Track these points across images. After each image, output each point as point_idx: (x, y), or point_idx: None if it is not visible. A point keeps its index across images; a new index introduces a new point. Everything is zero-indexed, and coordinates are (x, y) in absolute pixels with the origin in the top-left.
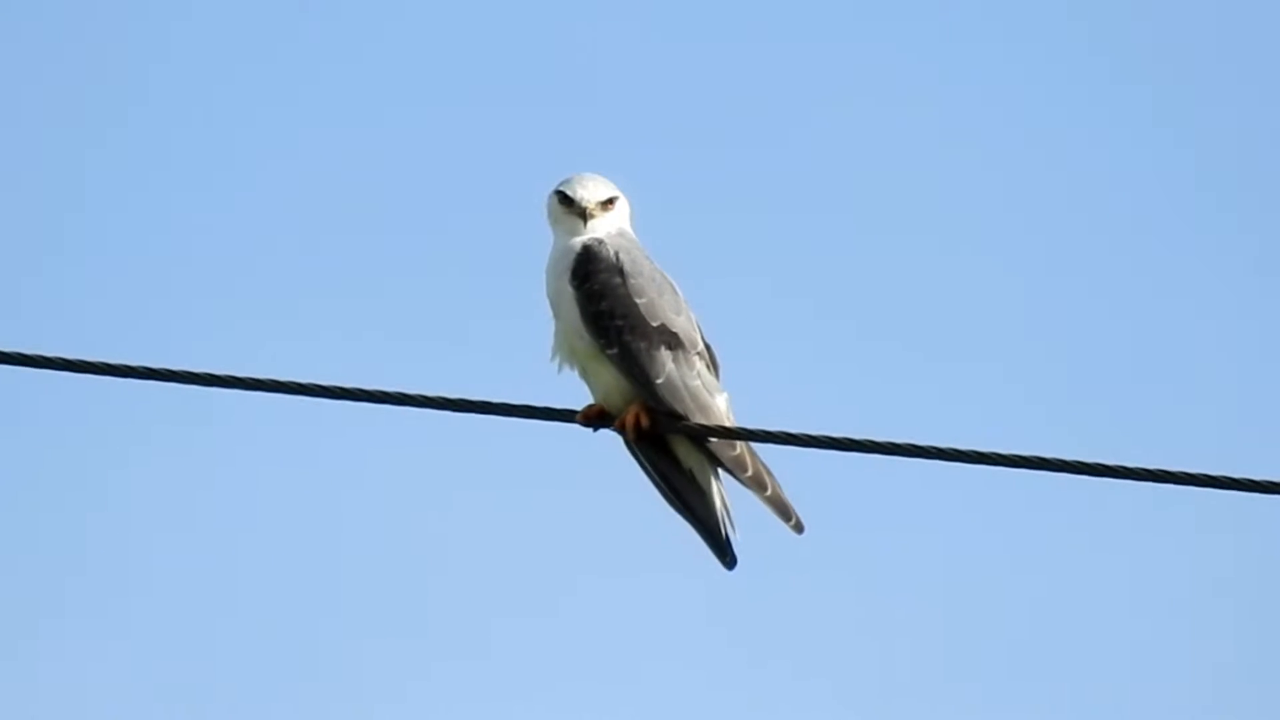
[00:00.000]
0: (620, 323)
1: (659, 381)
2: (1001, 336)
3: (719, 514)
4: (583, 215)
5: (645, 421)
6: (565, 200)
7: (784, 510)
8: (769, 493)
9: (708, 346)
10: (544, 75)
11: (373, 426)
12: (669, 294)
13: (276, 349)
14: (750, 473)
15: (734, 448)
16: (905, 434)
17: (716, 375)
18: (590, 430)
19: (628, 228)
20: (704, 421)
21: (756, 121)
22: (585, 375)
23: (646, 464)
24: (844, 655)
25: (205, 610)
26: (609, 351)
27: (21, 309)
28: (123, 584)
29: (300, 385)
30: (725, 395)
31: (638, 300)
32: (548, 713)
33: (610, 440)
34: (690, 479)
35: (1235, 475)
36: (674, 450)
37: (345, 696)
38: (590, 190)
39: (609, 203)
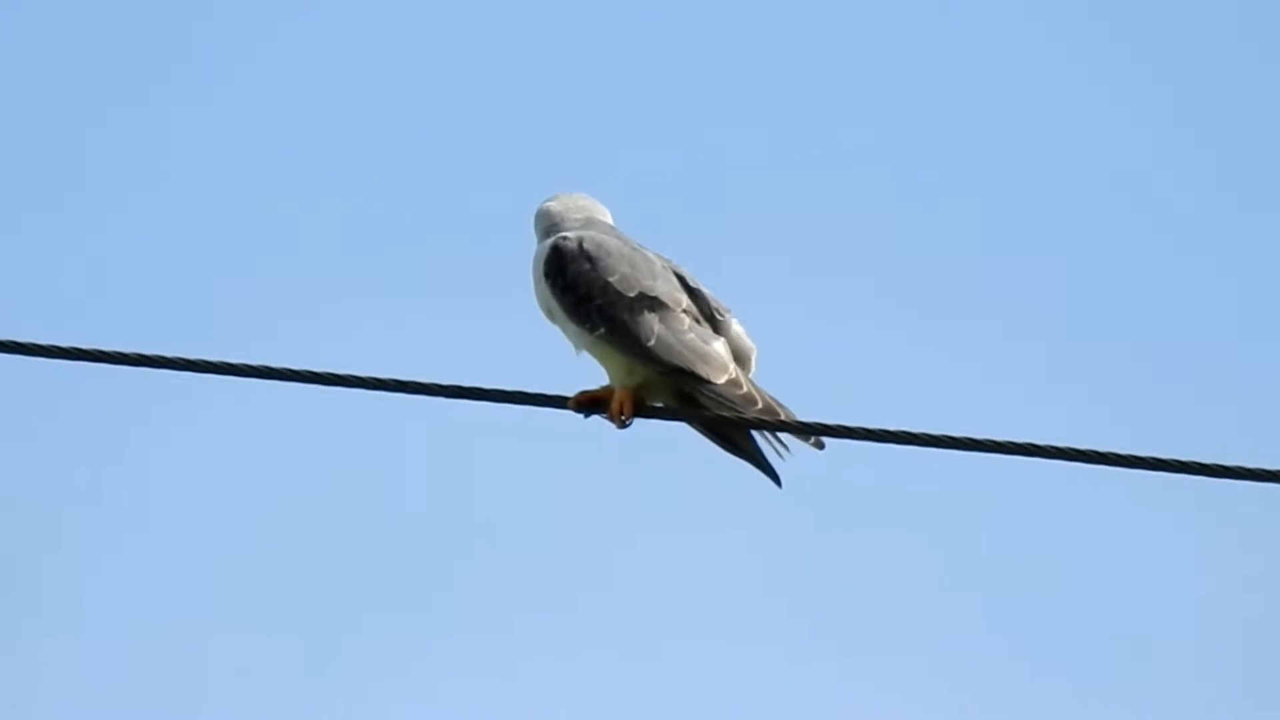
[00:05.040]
0: (600, 302)
1: (651, 344)
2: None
3: (759, 443)
4: None
5: (629, 411)
6: None
7: (801, 432)
8: (783, 417)
9: (698, 298)
10: (551, 62)
11: (368, 416)
12: (642, 263)
13: (272, 336)
14: (760, 406)
15: (740, 386)
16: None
17: (714, 324)
18: (581, 416)
19: (586, 218)
20: (707, 368)
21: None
22: (600, 364)
23: (697, 422)
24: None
25: (214, 601)
26: (597, 333)
27: (15, 301)
28: (111, 581)
29: (293, 372)
30: (726, 337)
31: (610, 278)
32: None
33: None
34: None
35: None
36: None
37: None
38: None
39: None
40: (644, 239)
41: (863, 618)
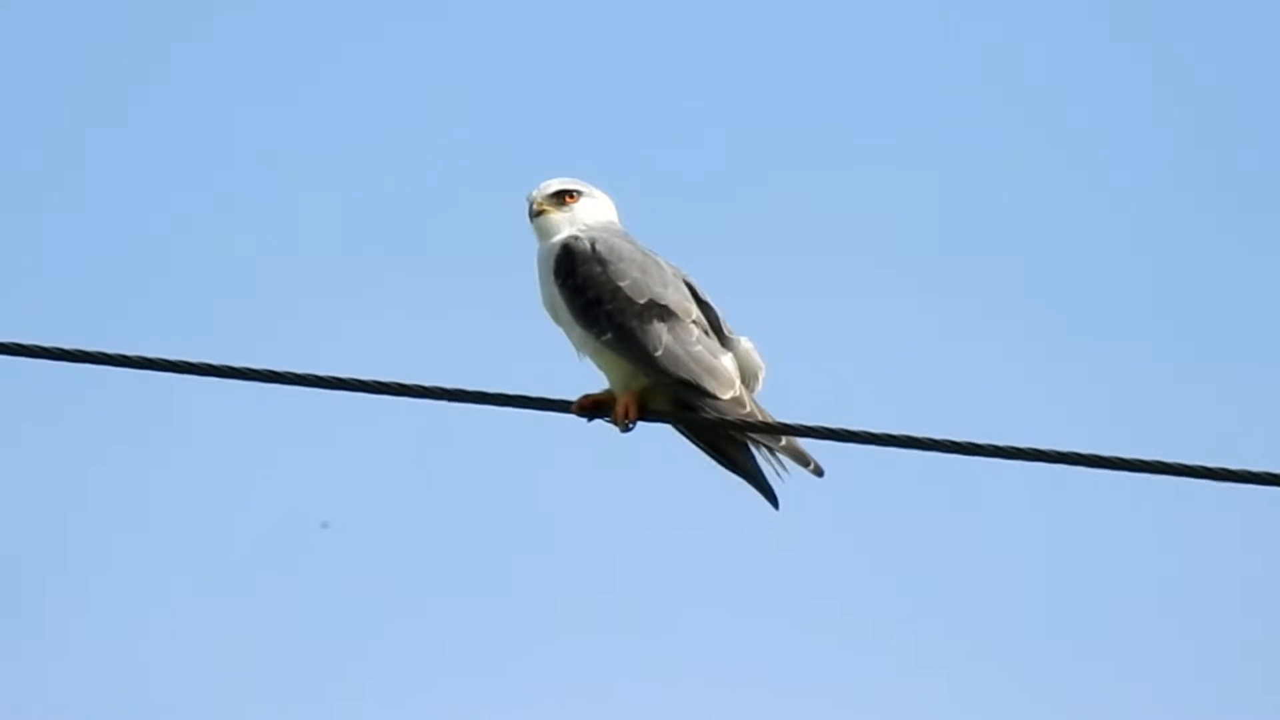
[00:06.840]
0: (609, 308)
1: (658, 354)
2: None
3: (759, 463)
4: (529, 211)
5: (634, 414)
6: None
7: (801, 458)
8: (783, 444)
9: (707, 309)
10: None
11: (371, 419)
12: (654, 270)
13: (276, 338)
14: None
15: (743, 406)
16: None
17: (721, 337)
18: (585, 420)
19: (604, 221)
20: (714, 382)
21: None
22: (600, 369)
23: (695, 438)
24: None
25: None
26: (603, 338)
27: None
28: (109, 583)
29: (297, 375)
30: (733, 351)
31: (621, 283)
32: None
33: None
34: (730, 438)
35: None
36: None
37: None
38: (539, 188)
39: (563, 196)
40: (643, 239)
41: (865, 618)
